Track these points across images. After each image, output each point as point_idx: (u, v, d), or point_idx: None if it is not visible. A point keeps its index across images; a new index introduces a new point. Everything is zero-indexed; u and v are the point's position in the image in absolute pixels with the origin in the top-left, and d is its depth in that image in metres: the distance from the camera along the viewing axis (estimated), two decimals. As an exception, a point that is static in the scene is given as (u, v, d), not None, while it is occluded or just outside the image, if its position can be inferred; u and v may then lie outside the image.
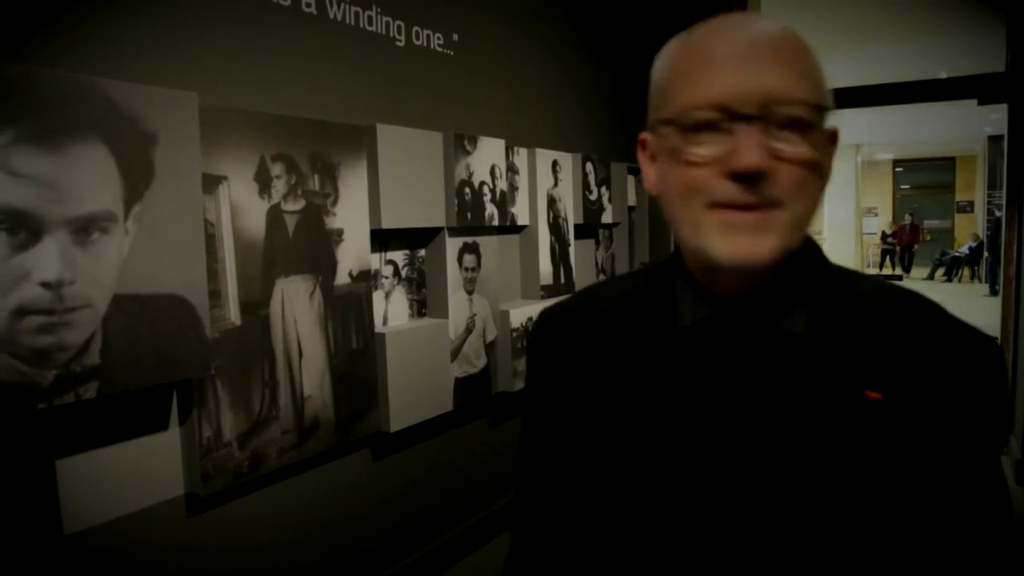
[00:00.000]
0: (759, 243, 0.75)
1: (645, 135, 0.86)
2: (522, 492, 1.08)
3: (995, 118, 11.64)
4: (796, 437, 0.78)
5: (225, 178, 1.58)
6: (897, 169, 20.09)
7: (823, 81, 0.78)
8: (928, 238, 18.60)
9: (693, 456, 0.82)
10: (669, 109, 0.79)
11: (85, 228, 1.28)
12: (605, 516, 0.89)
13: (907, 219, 17.35)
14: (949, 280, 15.83)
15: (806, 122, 0.74)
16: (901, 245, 17.21)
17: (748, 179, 0.74)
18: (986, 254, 13.86)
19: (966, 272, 15.93)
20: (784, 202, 0.74)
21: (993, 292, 13.60)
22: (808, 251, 0.86)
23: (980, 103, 3.15)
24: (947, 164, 19.42)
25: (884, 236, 17.84)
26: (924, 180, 20.02)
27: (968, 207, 18.73)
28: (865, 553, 0.77)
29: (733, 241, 0.76)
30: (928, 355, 0.78)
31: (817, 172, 0.76)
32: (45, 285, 1.22)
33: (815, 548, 0.77)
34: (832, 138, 0.81)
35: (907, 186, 20.36)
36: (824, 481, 0.77)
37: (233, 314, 1.61)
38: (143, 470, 1.48)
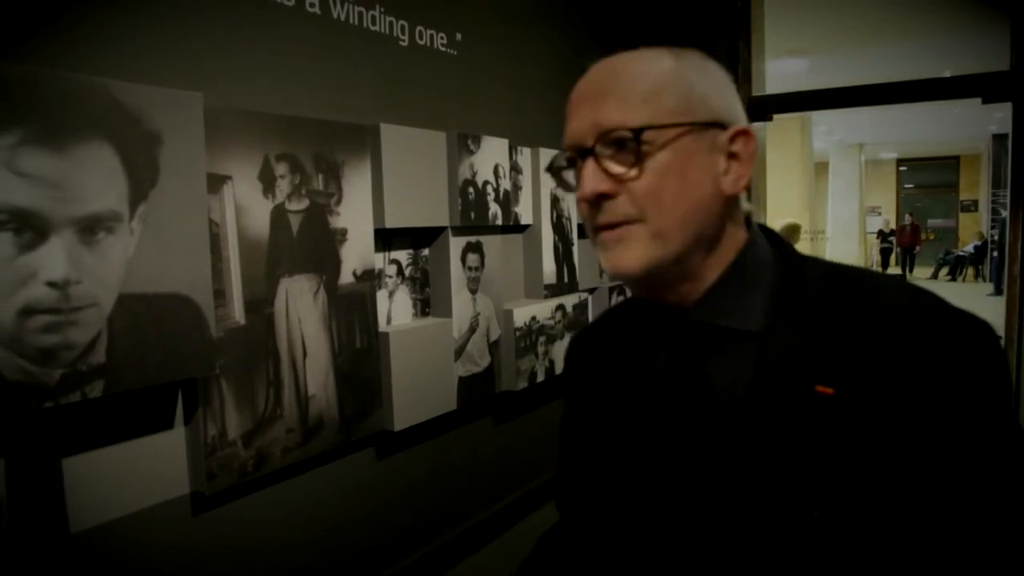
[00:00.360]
0: (623, 255, 0.84)
1: None
2: (559, 478, 1.19)
3: (999, 116, 11.64)
4: (748, 435, 0.82)
5: (229, 178, 1.58)
6: (901, 168, 20.07)
7: (669, 99, 0.83)
8: (932, 237, 18.58)
9: (659, 458, 0.89)
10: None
11: (91, 228, 1.28)
12: (597, 508, 0.99)
13: (907, 219, 17.29)
14: (953, 279, 15.81)
15: (632, 141, 0.82)
16: (902, 246, 17.14)
17: (594, 204, 0.85)
18: (995, 253, 13.79)
19: (970, 271, 15.90)
20: (641, 215, 0.83)
21: (998, 291, 13.57)
22: (768, 247, 0.92)
23: (984, 102, 3.14)
24: (951, 163, 19.40)
25: (882, 234, 17.76)
26: (928, 179, 20.00)
27: (972, 206, 18.71)
28: (821, 547, 0.77)
29: (606, 256, 0.87)
30: (892, 344, 0.77)
31: (676, 182, 0.83)
32: (51, 284, 1.23)
33: (766, 544, 0.80)
34: (741, 135, 0.86)
35: (911, 185, 20.34)
36: (775, 477, 0.79)
37: (237, 313, 1.61)
38: (148, 469, 1.49)
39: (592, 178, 0.84)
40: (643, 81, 0.84)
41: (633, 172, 0.82)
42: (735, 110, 0.88)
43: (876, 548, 0.76)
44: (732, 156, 0.87)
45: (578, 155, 0.86)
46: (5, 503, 1.22)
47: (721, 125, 0.86)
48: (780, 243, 0.93)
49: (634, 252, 0.83)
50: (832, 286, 0.85)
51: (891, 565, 0.76)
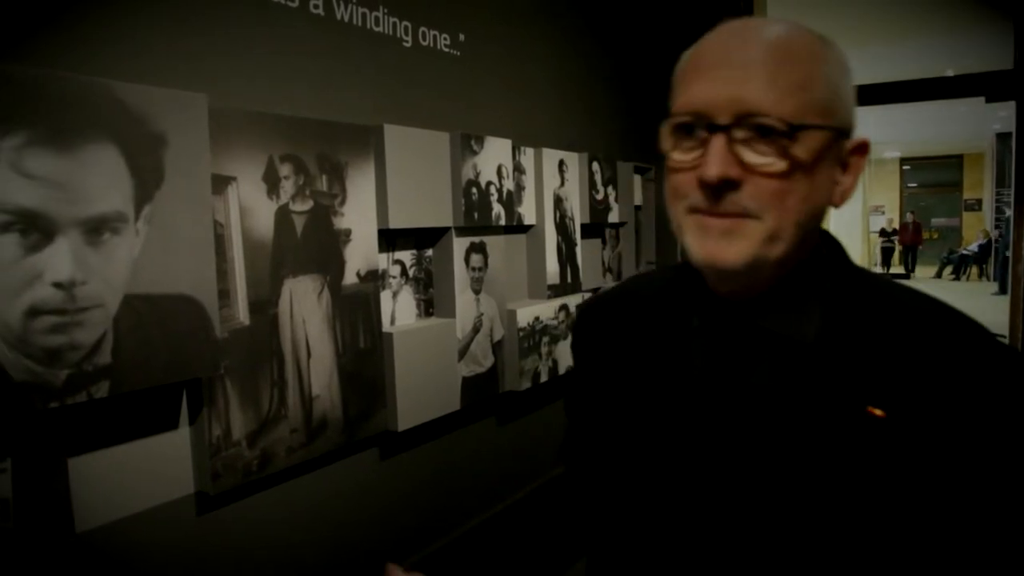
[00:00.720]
0: (727, 249, 0.76)
1: None
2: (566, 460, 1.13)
3: (1003, 115, 11.60)
4: (787, 451, 0.77)
5: (234, 179, 1.59)
6: (904, 167, 20.02)
7: (821, 94, 0.75)
8: (935, 236, 18.53)
9: (689, 456, 0.83)
10: (669, 114, 0.81)
11: (96, 229, 1.29)
12: (614, 501, 0.92)
13: (909, 217, 17.23)
14: (957, 278, 15.77)
15: (782, 135, 0.73)
16: (904, 244, 17.08)
17: (714, 189, 0.75)
18: (1007, 253, 13.70)
19: (974, 270, 15.86)
20: (757, 213, 0.75)
21: (1002, 290, 13.53)
22: (829, 255, 0.85)
23: (988, 101, 3.14)
24: (955, 162, 19.34)
25: (884, 233, 17.70)
26: (931, 178, 19.95)
27: (976, 205, 18.65)
28: (850, 569, 0.74)
29: (704, 244, 0.78)
30: (945, 374, 0.74)
31: (805, 187, 0.75)
32: (57, 285, 1.23)
33: (796, 564, 0.76)
34: (860, 150, 0.79)
35: (914, 184, 20.29)
36: (811, 498, 0.75)
37: (242, 314, 1.62)
38: (153, 469, 1.49)
39: (722, 160, 0.74)
40: (797, 65, 0.75)
41: (777, 167, 0.73)
42: (855, 118, 0.81)
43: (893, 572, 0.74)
44: (844, 168, 0.80)
45: (706, 128, 0.76)
46: (12, 503, 1.22)
47: (848, 133, 0.79)
48: (839, 252, 0.87)
49: (741, 248, 0.75)
50: (887, 305, 0.81)
51: None
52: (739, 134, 0.74)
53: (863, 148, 0.80)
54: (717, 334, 0.85)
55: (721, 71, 0.76)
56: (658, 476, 0.85)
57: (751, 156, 0.74)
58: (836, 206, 0.81)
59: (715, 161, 0.74)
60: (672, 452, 0.84)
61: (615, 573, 0.92)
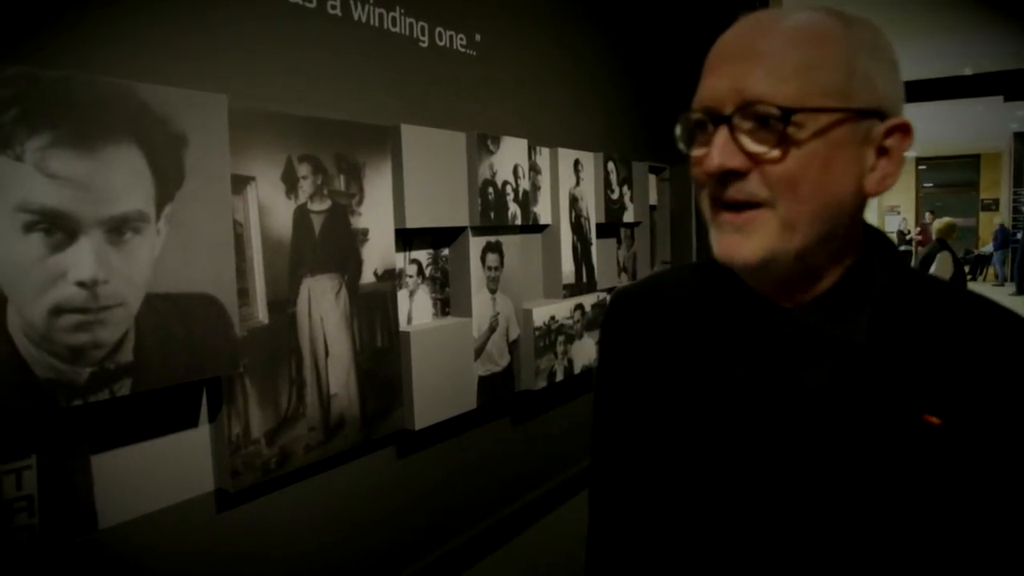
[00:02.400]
0: (740, 245, 0.76)
1: None
2: (597, 467, 1.08)
3: (1021, 114, 11.51)
4: (840, 455, 0.75)
5: (253, 179, 1.60)
6: (920, 167, 19.86)
7: (828, 77, 0.73)
8: (954, 236, 18.39)
9: (739, 458, 0.81)
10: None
11: (118, 228, 1.30)
12: (658, 503, 0.89)
13: (928, 218, 17.01)
14: (973, 279, 15.64)
15: (777, 119, 0.72)
16: (923, 246, 16.82)
17: (721, 179, 0.76)
18: None
19: (991, 271, 15.73)
20: (770, 200, 0.74)
21: (1020, 291, 13.42)
22: (879, 254, 0.84)
23: (1007, 99, 3.11)
24: (971, 161, 19.18)
25: (903, 237, 17.46)
26: (948, 178, 19.79)
27: (993, 205, 18.48)
28: None
29: (721, 239, 0.78)
30: (1002, 381, 0.72)
31: (818, 172, 0.73)
32: (81, 284, 1.25)
33: (849, 569, 0.74)
34: (898, 131, 0.77)
35: (930, 184, 20.13)
36: (865, 503, 0.74)
37: (261, 313, 1.63)
38: (174, 466, 1.51)
39: (723, 151, 0.74)
40: (800, 49, 0.74)
41: (773, 154, 0.73)
42: (898, 99, 0.78)
43: None
44: (882, 151, 0.78)
45: (710, 120, 0.76)
46: (37, 499, 1.24)
47: (880, 115, 0.77)
48: (890, 250, 0.85)
49: (755, 243, 0.75)
50: (940, 307, 0.79)
51: None
52: (743, 124, 0.74)
53: (903, 129, 0.78)
54: (766, 336, 0.83)
55: (727, 65, 0.77)
56: (707, 476, 0.83)
57: (752, 145, 0.74)
58: (872, 194, 0.78)
59: (715, 152, 0.75)
60: (721, 453, 0.82)
61: (660, 571, 0.90)
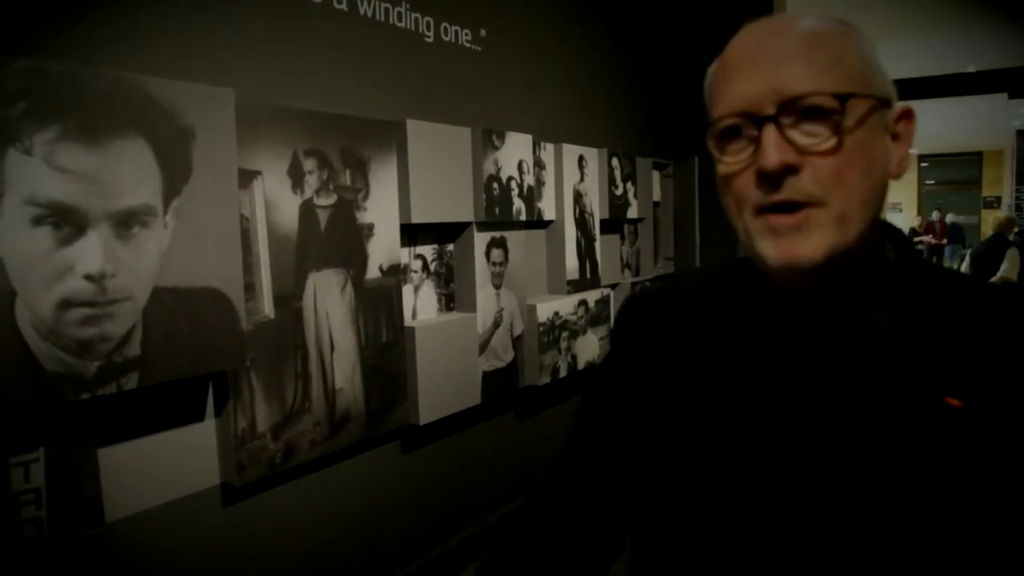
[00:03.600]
0: (801, 245, 0.75)
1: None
2: (564, 462, 1.10)
3: (1024, 112, 11.48)
4: (865, 442, 0.76)
5: (259, 173, 1.60)
6: (922, 164, 19.82)
7: (856, 66, 0.76)
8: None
9: (765, 448, 0.81)
10: (710, 124, 0.82)
11: (126, 222, 1.30)
12: (671, 505, 0.88)
13: (935, 216, 16.85)
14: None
15: (830, 111, 0.73)
16: (932, 245, 16.62)
17: (776, 178, 0.75)
18: None
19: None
20: (824, 197, 0.74)
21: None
22: (895, 244, 0.85)
23: (1011, 97, 3.11)
24: (974, 159, 19.13)
25: (913, 234, 17.33)
26: (950, 175, 19.74)
27: (995, 202, 18.44)
28: (931, 569, 0.73)
29: (778, 245, 0.77)
30: (1018, 363, 0.74)
31: (862, 161, 0.75)
32: (88, 278, 1.25)
33: (876, 561, 0.74)
34: (905, 117, 0.80)
35: (932, 181, 20.09)
36: (892, 489, 0.74)
37: (267, 307, 1.63)
38: (180, 460, 1.51)
39: (778, 148, 0.74)
40: (823, 45, 0.76)
41: (830, 143, 0.73)
42: (894, 90, 0.81)
43: (972, 567, 0.72)
44: (894, 137, 0.80)
45: (752, 122, 0.76)
46: (44, 492, 1.24)
47: (890, 102, 0.80)
48: (899, 236, 0.87)
49: (816, 240, 0.75)
50: (958, 295, 0.81)
51: None
52: (787, 121, 0.75)
53: (908, 115, 0.81)
54: (785, 326, 0.83)
55: (754, 67, 0.77)
56: (735, 466, 0.83)
57: (803, 139, 0.74)
58: (895, 177, 0.81)
59: (771, 150, 0.74)
60: (747, 443, 0.82)
61: (687, 571, 0.89)
